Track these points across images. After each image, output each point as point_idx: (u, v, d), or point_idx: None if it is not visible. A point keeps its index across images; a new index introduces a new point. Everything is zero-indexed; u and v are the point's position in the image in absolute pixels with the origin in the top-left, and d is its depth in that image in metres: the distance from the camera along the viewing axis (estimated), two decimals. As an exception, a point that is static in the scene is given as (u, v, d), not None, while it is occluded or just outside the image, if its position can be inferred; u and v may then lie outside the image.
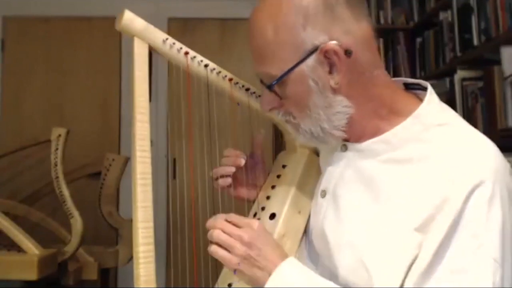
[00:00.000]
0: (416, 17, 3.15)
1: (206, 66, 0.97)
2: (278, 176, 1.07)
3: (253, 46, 0.88)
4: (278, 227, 0.96)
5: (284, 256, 0.86)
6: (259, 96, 1.00)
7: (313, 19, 0.82)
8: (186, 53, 0.94)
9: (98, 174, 2.79)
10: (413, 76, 3.04)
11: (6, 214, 2.09)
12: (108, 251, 2.66)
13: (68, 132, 2.36)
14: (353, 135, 0.90)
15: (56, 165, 2.32)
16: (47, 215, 2.56)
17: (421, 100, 0.88)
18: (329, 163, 0.95)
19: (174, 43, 0.93)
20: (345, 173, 0.91)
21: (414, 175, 0.81)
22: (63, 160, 2.34)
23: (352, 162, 0.90)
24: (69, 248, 2.29)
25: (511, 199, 0.79)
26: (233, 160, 1.03)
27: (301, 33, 0.82)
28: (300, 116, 0.88)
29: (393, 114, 0.87)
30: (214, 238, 0.86)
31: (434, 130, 0.84)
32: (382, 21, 3.18)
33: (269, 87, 0.88)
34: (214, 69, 0.98)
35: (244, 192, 1.07)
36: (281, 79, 0.85)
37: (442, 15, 2.71)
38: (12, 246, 1.97)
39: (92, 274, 2.50)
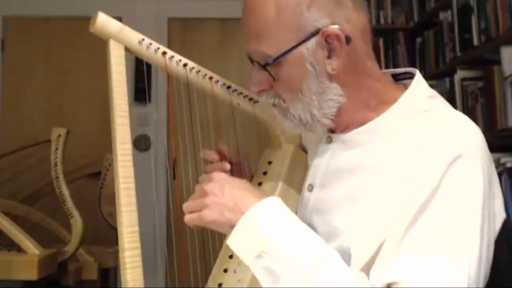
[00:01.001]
0: (416, 17, 3.15)
1: (185, 65, 0.95)
2: (265, 173, 1.07)
3: (249, 23, 0.84)
4: None
5: (261, 196, 0.82)
6: (241, 93, 1.00)
7: (319, 0, 0.81)
8: (164, 53, 0.93)
9: (98, 174, 2.79)
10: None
11: (6, 214, 2.09)
12: (108, 251, 2.67)
13: (68, 132, 2.36)
14: (340, 125, 0.89)
15: (56, 165, 2.32)
16: (47, 215, 2.55)
17: None
18: (315, 156, 0.95)
19: (150, 44, 0.92)
20: (330, 165, 0.90)
21: (398, 162, 0.80)
22: (63, 160, 2.34)
23: (337, 153, 0.90)
24: (69, 248, 2.29)
25: (490, 182, 0.79)
26: (218, 166, 1.00)
27: (305, 13, 0.81)
28: (291, 99, 0.86)
29: (382, 105, 0.87)
30: (184, 209, 0.84)
31: (419, 117, 0.83)
32: (382, 21, 3.18)
33: (264, 67, 0.85)
34: (193, 68, 0.96)
35: None
36: (278, 60, 0.83)
37: (442, 15, 2.71)
38: (12, 246, 1.96)
39: (92, 274, 2.51)
